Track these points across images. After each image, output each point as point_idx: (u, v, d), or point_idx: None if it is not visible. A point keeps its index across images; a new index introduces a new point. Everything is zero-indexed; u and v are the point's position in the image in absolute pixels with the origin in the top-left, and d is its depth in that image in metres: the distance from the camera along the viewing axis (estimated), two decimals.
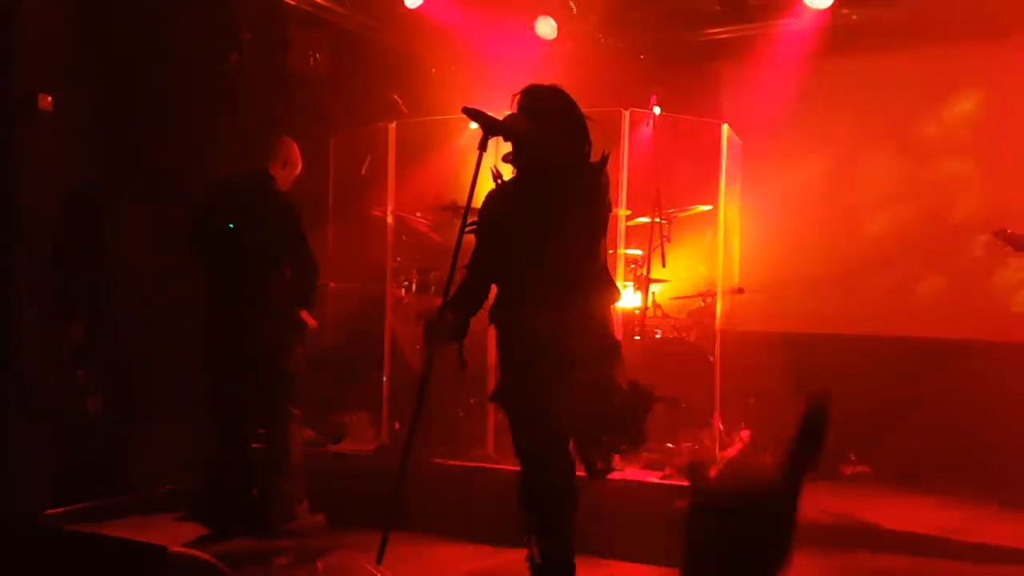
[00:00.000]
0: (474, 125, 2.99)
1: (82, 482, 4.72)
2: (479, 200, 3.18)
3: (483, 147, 2.95)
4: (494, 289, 3.19)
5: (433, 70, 6.94)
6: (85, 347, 4.89)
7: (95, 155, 4.79)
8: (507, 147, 3.08)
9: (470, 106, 2.97)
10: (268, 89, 5.65)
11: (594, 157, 3.08)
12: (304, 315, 4.38)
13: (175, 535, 4.17)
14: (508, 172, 3.13)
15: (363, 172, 5.66)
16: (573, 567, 2.94)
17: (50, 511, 4.53)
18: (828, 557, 4.26)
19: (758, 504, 2.04)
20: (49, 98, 4.42)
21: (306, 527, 4.39)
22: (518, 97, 3.05)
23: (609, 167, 3.04)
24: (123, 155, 4.87)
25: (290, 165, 4.52)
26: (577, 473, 3.00)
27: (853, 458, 5.95)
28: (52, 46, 4.53)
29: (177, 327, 4.99)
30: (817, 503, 5.32)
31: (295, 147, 4.56)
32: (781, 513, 1.99)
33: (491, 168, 3.08)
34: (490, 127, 2.91)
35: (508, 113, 3.07)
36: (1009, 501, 5.03)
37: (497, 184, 3.13)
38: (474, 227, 3.11)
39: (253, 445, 4.49)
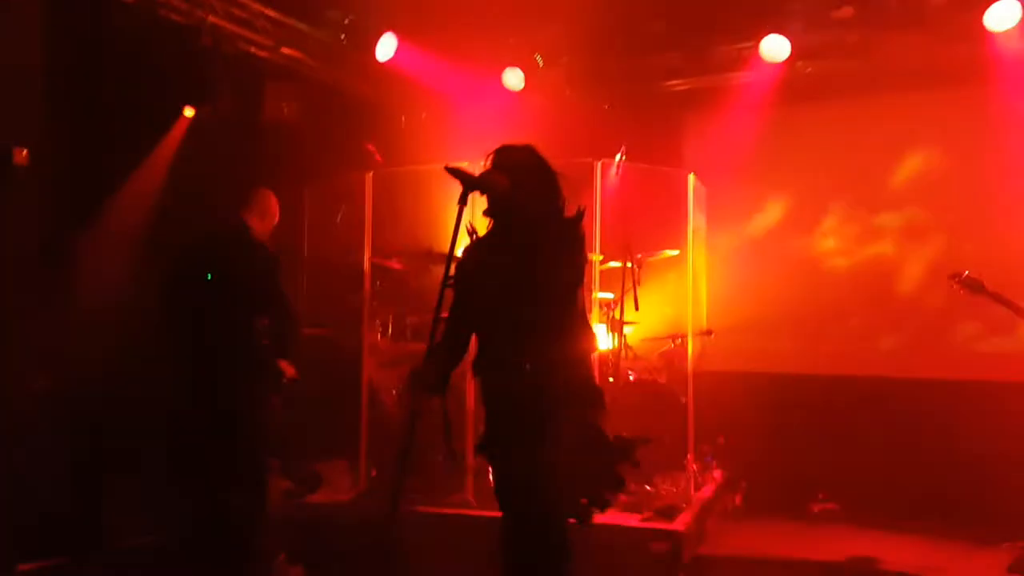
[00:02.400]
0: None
1: (51, 538, 4.63)
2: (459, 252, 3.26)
3: (463, 201, 3.02)
4: (474, 341, 3.25)
5: (403, 119, 7.06)
6: (52, 399, 4.83)
7: (68, 207, 4.79)
8: (484, 202, 3.18)
9: (451, 165, 3.06)
10: (242, 140, 5.70)
11: (569, 212, 3.19)
12: (282, 364, 4.38)
13: None
14: (483, 226, 3.22)
15: (338, 220, 5.72)
16: None
17: (23, 567, 4.44)
18: None
19: None
20: (24, 152, 4.42)
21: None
22: (492, 156, 3.15)
23: (585, 219, 3.15)
24: (96, 206, 4.88)
25: (267, 216, 4.55)
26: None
27: (821, 496, 6.07)
28: (25, 100, 4.55)
29: (147, 378, 4.96)
30: (788, 541, 5.44)
31: (272, 198, 4.58)
32: None
33: (467, 225, 3.16)
34: (470, 183, 3.01)
35: (486, 170, 3.16)
36: (977, 537, 5.17)
37: (473, 239, 3.22)
38: (452, 281, 3.18)
39: (227, 499, 4.42)
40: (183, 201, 5.09)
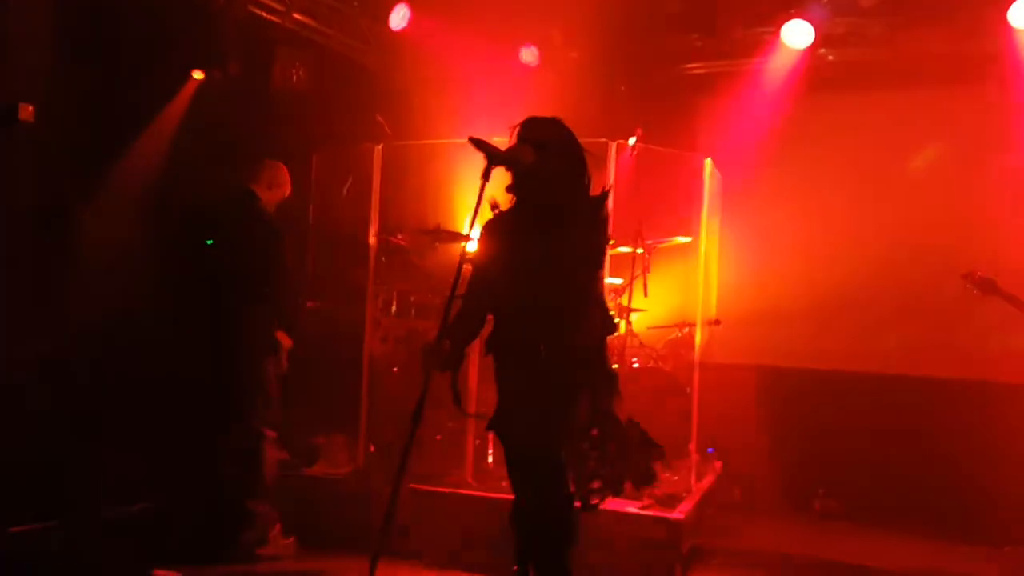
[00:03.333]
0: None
1: (43, 501, 4.59)
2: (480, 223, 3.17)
3: (486, 177, 2.94)
4: (489, 317, 3.18)
5: (413, 92, 6.94)
6: (49, 362, 4.77)
7: (73, 166, 4.70)
8: (507, 177, 3.09)
9: (476, 137, 2.97)
10: (250, 105, 5.60)
11: (593, 191, 3.11)
12: (280, 335, 4.32)
13: (149, 556, 4.06)
14: (505, 202, 3.14)
15: (344, 193, 5.62)
16: None
17: (13, 529, 4.39)
18: None
19: None
20: (31, 108, 4.32)
21: (279, 551, 4.31)
22: (518, 128, 3.06)
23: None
24: (102, 168, 4.79)
25: (276, 187, 4.50)
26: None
27: (822, 492, 6.03)
28: (33, 56, 4.45)
29: (146, 343, 4.90)
30: (786, 537, 5.41)
31: (283, 169, 4.54)
32: None
33: (489, 199, 3.08)
34: (495, 158, 2.92)
35: (512, 145, 3.08)
36: (978, 540, 5.13)
37: (495, 214, 3.13)
38: (471, 256, 3.11)
39: (225, 466, 4.39)
40: (190, 165, 5.00)
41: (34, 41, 4.42)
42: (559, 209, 2.98)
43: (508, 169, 2.98)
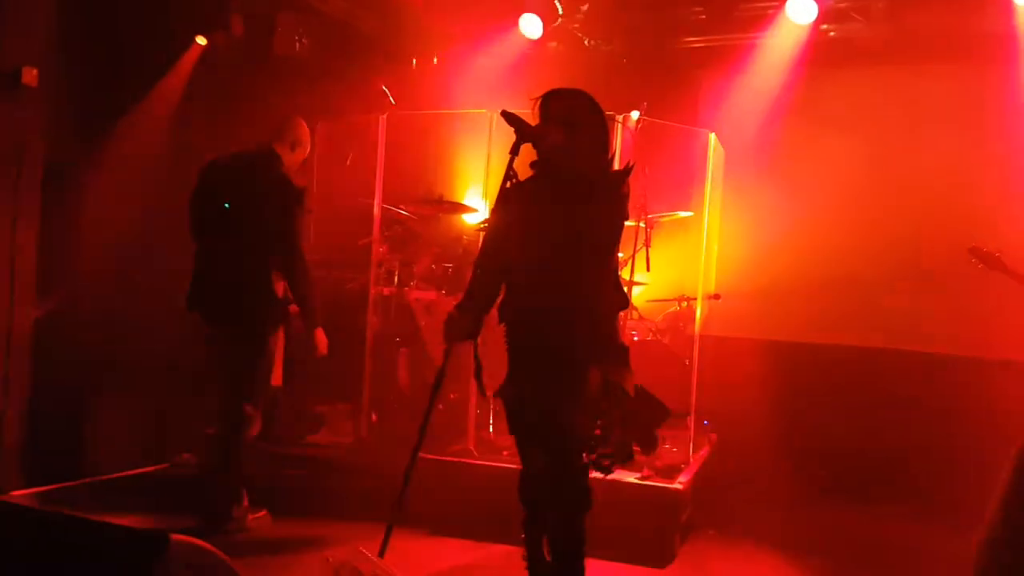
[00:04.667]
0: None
1: (43, 465, 4.62)
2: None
3: (515, 152, 2.96)
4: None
5: (414, 61, 6.91)
6: (56, 327, 4.78)
7: (77, 131, 4.68)
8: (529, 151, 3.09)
9: (508, 111, 2.98)
10: (254, 72, 5.57)
11: (617, 165, 3.12)
12: (293, 309, 4.27)
13: (160, 521, 4.11)
14: (523, 173, 3.14)
15: (348, 162, 5.61)
16: (583, 569, 2.98)
17: (16, 492, 4.43)
18: (794, 563, 4.39)
19: None
20: (34, 71, 4.30)
21: (250, 524, 4.27)
22: (542, 102, 3.04)
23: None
24: (106, 133, 4.77)
25: (299, 146, 4.35)
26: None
27: (817, 464, 6.12)
28: (36, 20, 4.41)
29: (151, 306, 4.92)
30: (781, 509, 5.50)
31: (305, 128, 4.39)
32: None
33: (510, 170, 3.08)
34: (525, 134, 2.93)
35: (540, 123, 3.05)
36: (970, 517, 5.18)
37: (513, 183, 3.13)
38: (487, 224, 3.13)
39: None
40: (193, 131, 4.99)
41: (37, 5, 4.38)
42: (581, 182, 2.99)
43: (536, 146, 2.99)
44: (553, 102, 2.99)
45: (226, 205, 4.14)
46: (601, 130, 3.03)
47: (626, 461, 3.08)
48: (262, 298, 4.19)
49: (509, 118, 2.90)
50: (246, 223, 4.16)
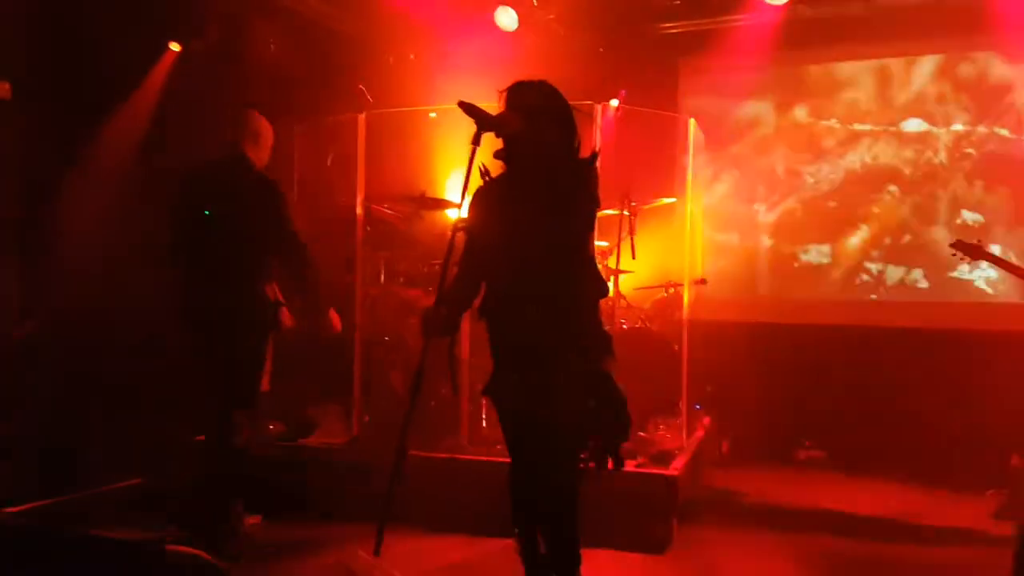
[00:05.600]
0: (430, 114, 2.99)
1: (33, 480, 4.59)
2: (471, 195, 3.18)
3: (477, 142, 2.94)
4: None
5: (391, 59, 6.88)
6: (37, 344, 4.75)
7: (53, 142, 4.64)
8: (495, 143, 3.09)
9: (465, 101, 2.96)
10: (229, 76, 5.53)
11: (582, 153, 3.11)
12: (283, 313, 4.19)
13: (152, 533, 4.09)
14: (495, 168, 3.14)
15: (329, 163, 5.59)
16: (579, 559, 2.98)
17: (7, 510, 4.40)
18: (791, 542, 4.42)
19: None
20: (7, 85, 4.26)
21: (246, 529, 4.24)
22: (506, 94, 3.05)
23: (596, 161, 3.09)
24: (83, 142, 4.73)
25: (262, 139, 4.23)
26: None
27: (807, 444, 6.17)
28: (8, 33, 4.38)
29: (134, 319, 4.89)
30: (775, 488, 5.54)
31: (259, 117, 4.24)
32: None
33: (479, 166, 3.08)
34: (485, 123, 2.92)
35: (502, 111, 3.06)
36: (961, 486, 5.28)
37: (485, 181, 3.13)
38: (463, 225, 3.12)
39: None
40: (170, 137, 4.96)
41: (8, 18, 4.33)
42: (549, 173, 2.98)
43: (498, 135, 2.97)
44: (514, 92, 2.99)
45: (206, 212, 4.07)
46: (564, 117, 3.01)
47: (602, 466, 3.06)
48: (256, 304, 4.13)
49: (467, 108, 2.88)
50: (233, 230, 4.06)
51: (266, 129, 4.26)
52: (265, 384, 4.37)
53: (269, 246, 4.10)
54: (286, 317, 4.22)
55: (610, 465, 3.00)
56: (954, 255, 4.79)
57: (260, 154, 4.22)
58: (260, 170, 4.20)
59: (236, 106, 4.36)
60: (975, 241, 4.76)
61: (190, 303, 4.15)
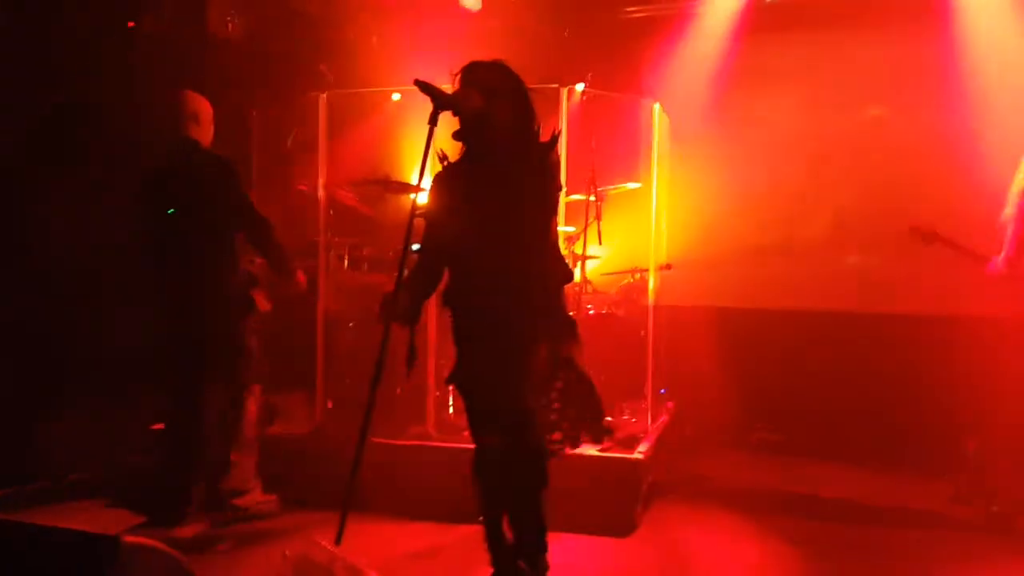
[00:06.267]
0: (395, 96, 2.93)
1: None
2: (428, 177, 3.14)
3: (433, 122, 2.88)
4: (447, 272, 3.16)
5: (353, 38, 6.76)
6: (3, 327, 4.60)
7: (17, 130, 4.50)
8: (454, 124, 3.04)
9: (421, 79, 2.90)
10: (185, 57, 5.38)
11: (543, 136, 3.08)
12: (257, 297, 4.23)
13: (108, 523, 4.00)
14: (452, 150, 3.09)
15: (289, 145, 5.48)
16: (545, 545, 2.97)
17: None
18: (756, 524, 4.46)
19: None
20: None
21: (259, 507, 4.29)
22: (461, 74, 3.00)
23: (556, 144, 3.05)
24: (46, 128, 4.58)
25: (202, 117, 4.16)
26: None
27: (767, 428, 6.23)
28: None
29: (95, 306, 4.77)
30: (738, 472, 5.59)
31: (198, 97, 4.18)
32: None
33: (437, 150, 3.03)
34: (441, 101, 2.86)
35: (458, 89, 3.02)
36: (921, 469, 5.36)
37: (444, 166, 3.08)
38: (424, 210, 3.07)
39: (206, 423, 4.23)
40: (133, 119, 4.81)
41: None
42: (509, 156, 2.94)
43: (455, 114, 2.92)
44: (469, 71, 2.95)
45: (169, 212, 4.01)
46: (522, 98, 2.97)
47: (576, 446, 3.06)
48: (231, 283, 4.15)
49: (423, 87, 2.82)
50: (195, 214, 4.05)
51: (205, 107, 4.20)
52: (266, 365, 4.42)
53: (231, 222, 4.10)
54: (262, 301, 4.20)
55: (590, 442, 3.01)
56: (912, 239, 4.83)
57: (203, 133, 4.17)
58: (207, 149, 4.16)
59: (170, 90, 4.27)
60: (933, 228, 4.78)
61: (167, 296, 4.12)
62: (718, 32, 6.43)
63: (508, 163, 2.96)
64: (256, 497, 4.32)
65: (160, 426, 4.28)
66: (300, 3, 6.30)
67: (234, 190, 4.09)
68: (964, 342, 4.87)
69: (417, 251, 3.11)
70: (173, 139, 4.12)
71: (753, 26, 6.30)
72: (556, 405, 3.01)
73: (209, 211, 4.05)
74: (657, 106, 5.24)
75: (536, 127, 3.04)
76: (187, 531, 3.92)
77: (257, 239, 4.16)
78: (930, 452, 5.35)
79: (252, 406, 4.31)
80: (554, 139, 3.04)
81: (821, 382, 6.06)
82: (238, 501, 4.22)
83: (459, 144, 3.03)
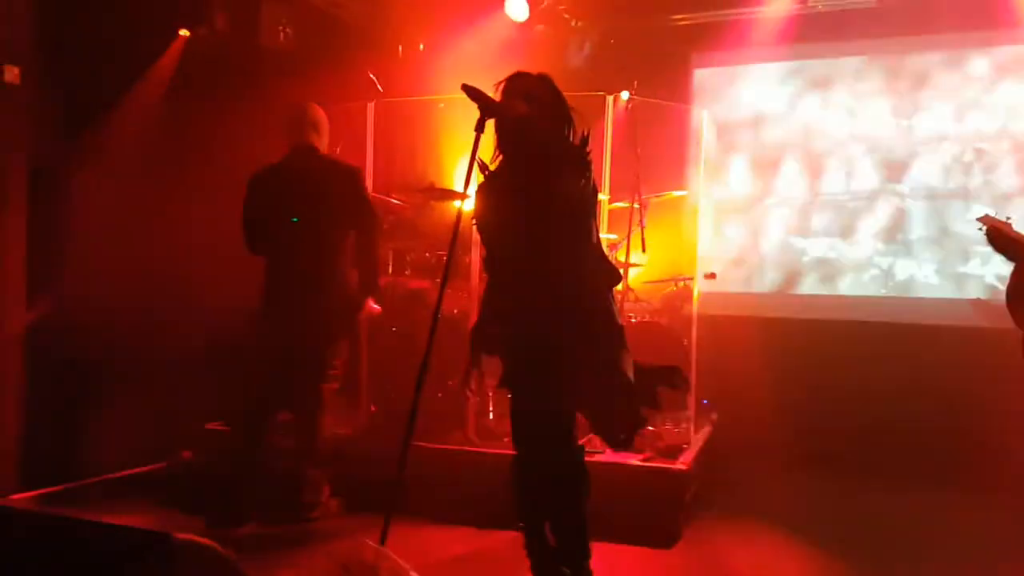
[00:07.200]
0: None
1: (45, 466, 4.59)
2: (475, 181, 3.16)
3: (480, 129, 2.91)
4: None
5: (400, 48, 6.85)
6: (49, 329, 4.72)
7: (61, 129, 4.62)
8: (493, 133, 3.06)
9: (469, 85, 2.92)
10: (239, 65, 5.50)
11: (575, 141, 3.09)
12: (369, 304, 4.32)
13: (163, 522, 4.08)
14: (492, 162, 3.12)
15: (337, 151, 5.55)
16: (589, 551, 2.97)
17: (16, 496, 4.39)
18: (800, 537, 4.39)
19: None
20: (16, 70, 4.24)
21: (327, 512, 4.34)
22: (504, 83, 3.02)
23: (593, 152, 3.06)
24: (91, 128, 4.71)
25: (322, 127, 4.41)
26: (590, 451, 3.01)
27: (818, 441, 6.12)
28: (16, 18, 4.34)
29: (143, 307, 4.87)
30: (783, 484, 5.50)
31: (318, 109, 4.43)
32: None
33: (477, 160, 3.05)
34: (489, 108, 2.88)
35: (504, 97, 3.04)
36: (971, 486, 5.19)
37: (485, 176, 3.11)
38: (475, 222, 3.13)
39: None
40: (179, 125, 4.92)
41: (17, 3, 4.30)
42: (546, 161, 2.95)
43: (500, 121, 2.94)
44: (514, 80, 2.98)
45: (294, 220, 4.18)
46: (563, 109, 3.02)
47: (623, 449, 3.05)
48: (347, 286, 4.30)
49: (470, 92, 2.84)
50: (314, 214, 4.21)
51: (323, 118, 4.46)
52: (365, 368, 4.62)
53: (348, 221, 4.28)
54: (372, 306, 4.35)
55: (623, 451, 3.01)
56: (980, 229, 4.65)
57: (322, 141, 4.42)
58: (325, 155, 4.40)
59: (293, 105, 4.50)
60: (1005, 219, 4.59)
61: (274, 295, 4.23)
62: (768, 39, 6.37)
63: (544, 168, 2.97)
64: (328, 505, 4.36)
65: (217, 425, 4.34)
66: (350, 13, 6.39)
67: (355, 187, 4.30)
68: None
69: (484, 269, 3.16)
70: (296, 145, 4.33)
71: (802, 34, 6.24)
72: (602, 407, 3.00)
73: (327, 207, 4.22)
74: (705, 114, 5.22)
75: (570, 133, 3.05)
76: (241, 530, 3.98)
77: (364, 244, 4.31)
78: (980, 468, 5.21)
79: (327, 416, 4.34)
80: (584, 139, 3.04)
81: (871, 395, 5.94)
82: (314, 513, 4.26)
83: (497, 153, 3.06)
